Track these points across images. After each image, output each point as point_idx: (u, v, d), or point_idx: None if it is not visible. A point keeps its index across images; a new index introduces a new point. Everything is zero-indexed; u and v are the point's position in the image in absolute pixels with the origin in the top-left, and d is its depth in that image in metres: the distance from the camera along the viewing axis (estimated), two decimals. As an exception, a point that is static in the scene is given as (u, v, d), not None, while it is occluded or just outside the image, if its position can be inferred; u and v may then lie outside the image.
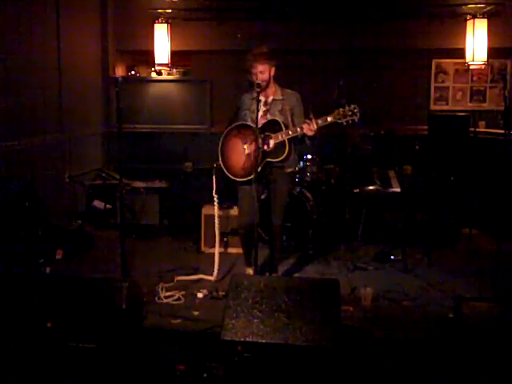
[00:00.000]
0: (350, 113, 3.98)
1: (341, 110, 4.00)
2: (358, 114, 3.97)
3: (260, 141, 4.02)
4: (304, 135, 4.19)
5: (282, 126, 4.16)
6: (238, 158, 4.29)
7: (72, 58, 6.25)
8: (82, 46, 6.68)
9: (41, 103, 5.63)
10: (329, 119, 4.04)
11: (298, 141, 4.31)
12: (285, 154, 4.17)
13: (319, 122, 4.07)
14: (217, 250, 4.81)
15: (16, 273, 4.32)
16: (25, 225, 4.73)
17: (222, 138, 4.40)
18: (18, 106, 5.20)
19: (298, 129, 4.13)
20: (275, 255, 4.63)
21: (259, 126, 4.06)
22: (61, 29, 5.98)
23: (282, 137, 4.14)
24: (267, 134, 4.16)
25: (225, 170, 4.35)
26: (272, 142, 4.16)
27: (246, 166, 4.25)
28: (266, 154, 4.16)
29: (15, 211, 4.67)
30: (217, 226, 4.87)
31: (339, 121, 4.00)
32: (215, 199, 4.78)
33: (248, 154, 4.25)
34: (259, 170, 4.08)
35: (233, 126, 4.38)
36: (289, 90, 4.40)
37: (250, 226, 4.15)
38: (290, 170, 4.43)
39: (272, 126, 4.15)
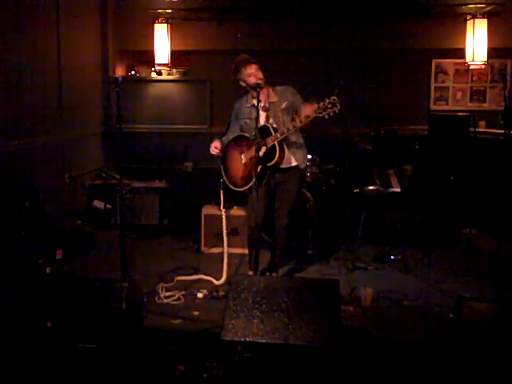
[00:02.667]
0: (330, 105, 3.93)
1: (321, 103, 3.97)
2: (339, 105, 3.93)
3: (254, 147, 4.06)
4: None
5: (272, 130, 4.19)
6: (237, 168, 4.40)
7: (72, 58, 6.25)
8: (82, 46, 6.69)
9: (41, 103, 5.64)
10: (310, 116, 4.04)
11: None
12: (276, 157, 4.19)
13: (302, 119, 4.09)
14: (225, 261, 4.79)
15: (16, 273, 4.32)
16: (25, 225, 4.73)
17: (222, 154, 4.52)
18: (17, 106, 5.20)
19: (285, 130, 4.16)
20: (277, 256, 4.63)
21: (254, 133, 4.12)
22: (61, 29, 5.98)
23: (271, 141, 4.17)
24: (260, 141, 4.17)
25: (228, 183, 4.49)
26: (264, 148, 4.18)
27: (244, 175, 4.34)
28: (261, 159, 4.19)
29: (15, 211, 4.68)
30: (225, 238, 4.90)
31: (320, 115, 3.97)
32: (223, 213, 4.89)
33: (245, 163, 4.35)
34: (257, 175, 4.12)
35: (230, 139, 4.49)
36: (280, 87, 4.41)
37: (257, 228, 4.20)
38: (302, 166, 4.44)
39: (263, 133, 4.18)
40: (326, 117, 3.97)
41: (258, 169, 4.15)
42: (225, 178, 4.51)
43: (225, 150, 4.51)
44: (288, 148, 4.32)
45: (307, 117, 4.05)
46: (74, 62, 6.31)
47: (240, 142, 4.41)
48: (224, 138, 4.57)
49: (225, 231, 4.90)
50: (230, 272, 4.78)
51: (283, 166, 4.31)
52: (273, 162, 4.21)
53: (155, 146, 7.14)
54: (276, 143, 4.17)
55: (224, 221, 4.89)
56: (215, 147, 4.51)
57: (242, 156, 4.38)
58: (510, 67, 6.99)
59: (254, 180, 3.99)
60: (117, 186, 4.73)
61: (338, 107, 3.93)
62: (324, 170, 5.98)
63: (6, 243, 4.47)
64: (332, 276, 4.72)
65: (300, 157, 4.40)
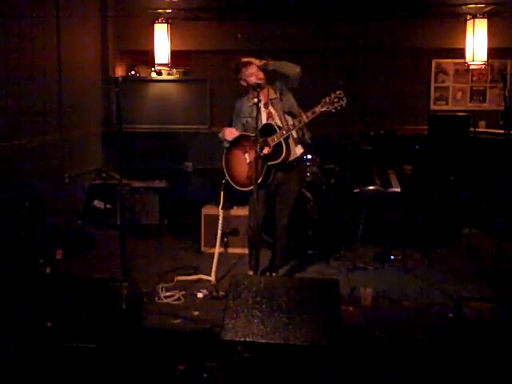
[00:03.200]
0: (337, 99, 3.98)
1: (327, 98, 4.01)
2: (345, 99, 3.97)
3: (258, 147, 4.05)
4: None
5: (276, 128, 4.21)
6: (242, 168, 4.39)
7: (72, 58, 6.25)
8: (82, 46, 6.69)
9: (41, 103, 5.63)
10: (317, 110, 4.06)
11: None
12: (283, 154, 4.21)
13: (309, 115, 4.11)
14: (215, 261, 4.80)
15: (16, 273, 4.32)
16: (25, 225, 4.73)
17: (223, 154, 4.50)
18: (18, 106, 5.20)
19: (291, 127, 4.18)
20: (277, 256, 4.63)
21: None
22: (61, 29, 5.98)
23: (277, 138, 4.18)
24: (263, 139, 4.18)
25: (232, 184, 4.47)
26: (269, 147, 4.20)
27: (249, 174, 4.31)
28: (266, 158, 4.20)
29: (15, 211, 4.68)
30: (219, 238, 4.90)
31: (328, 109, 4.01)
32: (220, 214, 4.89)
33: (250, 163, 4.34)
34: (263, 174, 4.16)
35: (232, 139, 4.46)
36: (278, 83, 4.40)
37: (257, 227, 4.19)
38: (300, 151, 4.43)
39: (267, 131, 4.20)
40: (333, 111, 4.00)
41: (264, 168, 4.17)
42: (228, 178, 4.49)
43: (227, 150, 4.50)
44: (294, 142, 4.33)
45: (313, 112, 4.08)
46: (73, 62, 6.31)
47: (243, 141, 4.40)
48: None
49: (219, 231, 4.90)
50: (219, 271, 4.81)
51: (289, 159, 4.33)
52: (280, 160, 4.22)
53: (155, 146, 7.14)
54: (282, 140, 4.18)
55: (220, 221, 4.89)
56: (233, 133, 4.38)
57: (246, 155, 4.37)
58: (510, 67, 6.99)
59: (260, 179, 3.99)
60: (117, 185, 4.73)
61: (345, 101, 3.96)
62: (324, 170, 5.99)
63: (6, 243, 4.47)
64: (332, 276, 4.72)
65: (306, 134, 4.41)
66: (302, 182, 4.79)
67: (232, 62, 4.44)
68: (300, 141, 4.39)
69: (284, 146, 4.20)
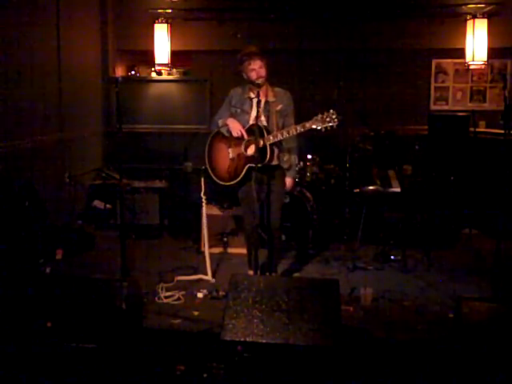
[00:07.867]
0: (329, 119, 3.88)
1: (319, 116, 3.92)
2: (337, 121, 3.87)
3: (243, 146, 4.06)
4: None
5: (265, 131, 4.14)
6: (224, 162, 4.35)
7: (72, 58, 6.25)
8: (82, 46, 6.69)
9: (41, 103, 5.64)
10: (307, 125, 3.97)
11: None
12: (266, 159, 4.14)
13: (298, 127, 4.02)
14: (207, 251, 4.84)
15: (16, 273, 4.32)
16: (25, 225, 4.73)
17: (208, 142, 4.46)
18: (18, 106, 5.20)
19: (279, 135, 4.09)
20: (274, 255, 4.60)
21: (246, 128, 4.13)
22: (61, 29, 5.98)
23: (263, 142, 4.10)
24: (249, 139, 4.15)
25: (211, 173, 4.44)
26: (253, 148, 4.13)
27: (230, 170, 4.31)
28: (249, 158, 4.17)
29: (15, 211, 4.68)
30: (204, 225, 4.94)
31: (318, 127, 3.93)
32: (203, 200, 4.90)
33: (232, 159, 4.31)
34: (243, 174, 4.18)
35: (217, 130, 4.43)
36: (280, 90, 4.36)
37: (253, 226, 4.17)
38: (286, 165, 4.38)
39: (255, 131, 4.12)
40: (323, 130, 3.91)
41: (245, 168, 4.16)
42: (209, 168, 4.44)
43: (212, 139, 4.44)
44: (278, 149, 4.29)
45: (303, 126, 3.98)
46: (74, 61, 6.31)
47: (229, 135, 4.33)
48: (217, 118, 4.48)
49: (204, 220, 4.92)
50: (219, 271, 4.88)
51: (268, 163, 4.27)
52: (261, 164, 4.10)
53: (155, 145, 7.14)
54: (267, 145, 4.11)
55: (204, 212, 4.91)
56: (239, 129, 4.25)
57: (230, 150, 4.31)
58: (510, 67, 6.99)
59: (238, 178, 4.00)
60: (117, 186, 4.73)
61: (336, 122, 3.87)
62: (324, 170, 5.99)
63: (6, 243, 4.47)
64: (332, 276, 4.73)
65: (289, 159, 4.35)
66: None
67: (239, 53, 4.34)
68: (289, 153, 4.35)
69: (268, 152, 4.13)
